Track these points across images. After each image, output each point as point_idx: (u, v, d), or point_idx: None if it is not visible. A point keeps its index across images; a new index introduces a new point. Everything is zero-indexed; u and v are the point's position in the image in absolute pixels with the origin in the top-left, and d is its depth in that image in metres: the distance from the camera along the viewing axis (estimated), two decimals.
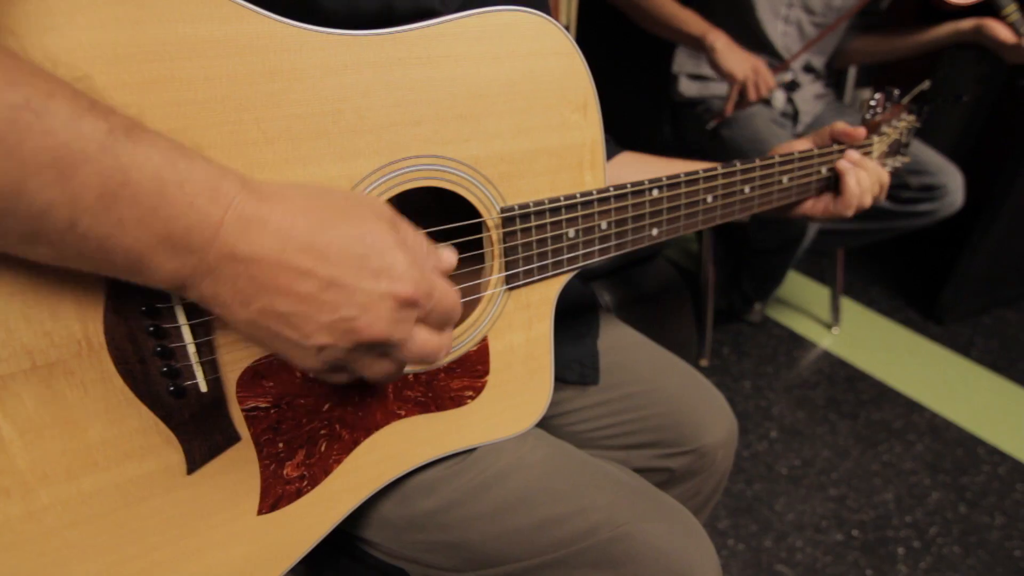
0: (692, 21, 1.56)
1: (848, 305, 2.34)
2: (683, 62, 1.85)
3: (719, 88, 1.80)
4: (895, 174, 1.66)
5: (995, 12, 1.51)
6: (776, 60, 1.73)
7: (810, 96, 1.85)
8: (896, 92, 0.99)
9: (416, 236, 0.46)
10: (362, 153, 0.51)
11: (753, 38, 1.71)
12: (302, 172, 0.48)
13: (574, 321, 0.90)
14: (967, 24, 1.56)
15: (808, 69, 1.81)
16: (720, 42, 1.51)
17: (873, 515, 1.58)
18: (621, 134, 2.22)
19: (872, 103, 0.96)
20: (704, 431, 0.85)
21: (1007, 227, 2.10)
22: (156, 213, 0.37)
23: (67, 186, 0.35)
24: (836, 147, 0.89)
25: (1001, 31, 1.51)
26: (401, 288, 0.42)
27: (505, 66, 0.57)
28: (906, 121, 1.01)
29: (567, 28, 1.87)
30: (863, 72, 2.06)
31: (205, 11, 0.42)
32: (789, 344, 2.14)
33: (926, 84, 1.01)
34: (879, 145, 0.96)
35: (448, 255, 0.49)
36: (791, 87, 1.80)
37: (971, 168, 2.18)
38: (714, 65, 1.54)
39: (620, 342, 0.92)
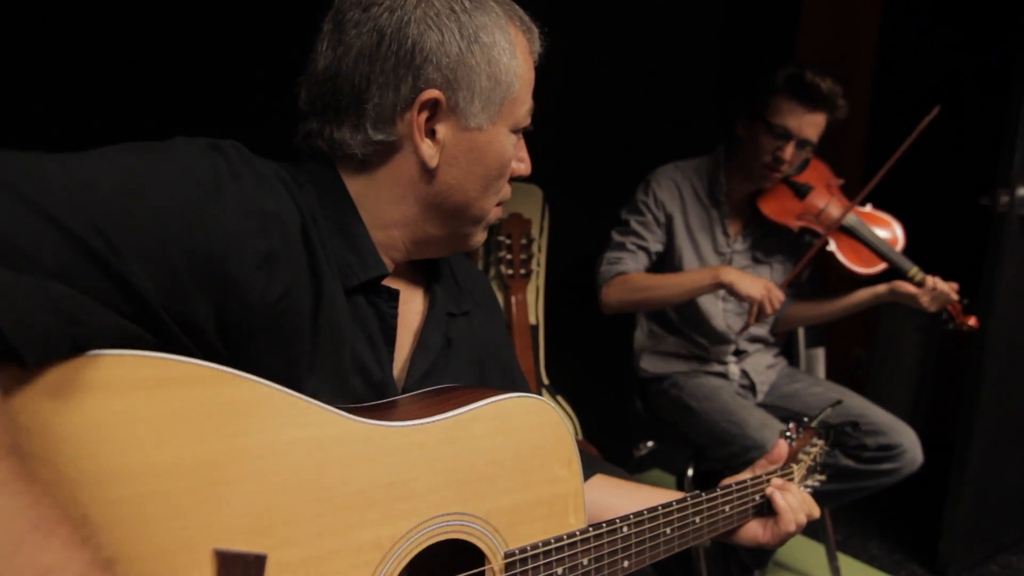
0: (696, 275, 1.84)
1: (849, 564, 2.27)
2: (642, 343, 2.10)
3: (680, 365, 2.03)
4: (855, 436, 1.81)
5: (902, 274, 1.87)
6: (715, 336, 2.00)
7: (762, 367, 2.07)
8: (806, 419, 1.21)
9: None
10: (404, 515, 0.64)
11: (694, 319, 2.00)
12: (359, 535, 0.61)
13: None
14: (882, 288, 1.90)
15: (755, 340, 2.06)
16: (731, 276, 1.78)
17: None
18: (599, 409, 2.33)
19: (787, 433, 1.16)
20: None
21: (979, 474, 2.15)
22: None
23: None
24: (764, 475, 1.06)
25: (909, 287, 1.85)
26: None
27: (513, 438, 0.74)
28: (817, 447, 1.20)
29: (536, 325, 2.13)
30: (811, 334, 2.28)
31: (309, 419, 0.58)
32: None
33: (828, 411, 1.24)
34: (798, 470, 1.14)
35: None
36: (738, 354, 2.04)
37: (932, 423, 2.28)
38: (735, 295, 1.79)
39: None
